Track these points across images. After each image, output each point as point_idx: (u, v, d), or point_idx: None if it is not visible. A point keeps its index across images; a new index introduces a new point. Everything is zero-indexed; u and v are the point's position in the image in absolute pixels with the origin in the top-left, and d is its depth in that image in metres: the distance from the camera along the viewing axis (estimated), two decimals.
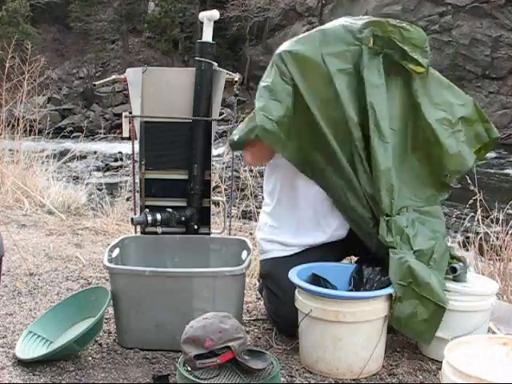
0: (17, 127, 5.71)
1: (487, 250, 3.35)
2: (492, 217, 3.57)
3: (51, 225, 4.23)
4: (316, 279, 2.29)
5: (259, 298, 2.82)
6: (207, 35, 2.73)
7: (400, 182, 2.34)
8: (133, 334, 2.29)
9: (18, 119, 5.73)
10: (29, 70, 5.81)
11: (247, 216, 4.60)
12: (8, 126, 5.88)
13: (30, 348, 2.23)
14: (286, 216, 2.50)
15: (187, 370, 1.86)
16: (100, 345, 2.33)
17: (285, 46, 2.38)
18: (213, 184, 2.74)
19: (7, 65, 5.86)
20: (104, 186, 5.56)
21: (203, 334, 1.86)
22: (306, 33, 2.43)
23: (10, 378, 2.06)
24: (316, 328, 2.15)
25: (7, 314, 2.60)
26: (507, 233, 3.33)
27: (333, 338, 2.12)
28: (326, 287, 2.27)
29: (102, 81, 2.93)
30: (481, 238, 3.44)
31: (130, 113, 2.76)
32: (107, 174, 9.44)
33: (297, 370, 2.19)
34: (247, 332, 2.44)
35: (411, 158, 2.42)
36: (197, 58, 2.71)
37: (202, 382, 1.81)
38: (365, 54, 2.30)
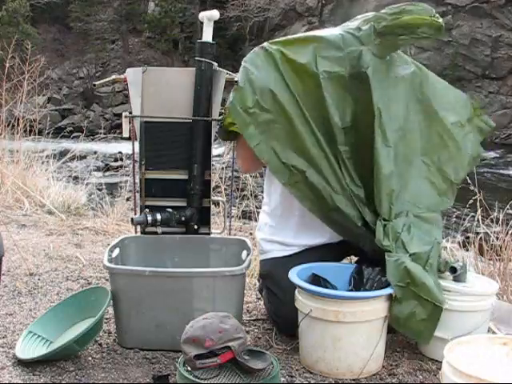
0: (17, 127, 5.71)
1: (487, 250, 3.35)
2: (492, 217, 3.57)
3: (51, 225, 4.23)
4: (316, 279, 2.29)
5: (259, 298, 2.82)
6: (207, 35, 2.73)
7: (402, 187, 2.34)
8: (133, 334, 2.29)
9: (18, 119, 5.73)
10: (29, 70, 5.81)
11: (247, 216, 4.60)
12: (8, 126, 5.88)
13: (30, 348, 2.23)
14: (286, 216, 2.50)
15: (187, 370, 1.86)
16: (100, 345, 2.33)
17: (278, 45, 2.37)
18: (213, 184, 2.74)
19: (7, 65, 5.86)
20: (104, 186, 5.56)
21: (203, 334, 1.86)
22: (302, 35, 2.42)
23: (9, 378, 2.06)
24: (316, 328, 2.15)
25: (7, 314, 2.60)
26: (507, 233, 3.33)
27: (333, 338, 2.12)
28: (326, 287, 2.27)
29: (102, 81, 2.92)
30: (481, 238, 3.44)
31: (130, 113, 2.76)
32: (107, 174, 9.44)
33: (297, 370, 2.19)
34: (247, 332, 2.44)
35: (420, 162, 2.42)
36: (197, 58, 2.71)
37: (202, 382, 1.81)
38: (366, 54, 2.29)
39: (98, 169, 8.80)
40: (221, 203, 3.24)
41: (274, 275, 2.46)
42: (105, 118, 21.27)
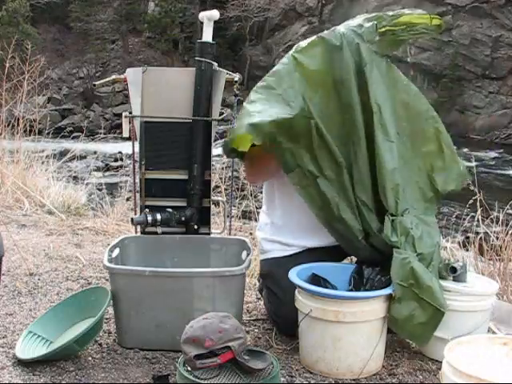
0: (17, 127, 5.70)
1: (487, 250, 3.35)
2: (492, 217, 3.57)
3: (51, 225, 4.23)
4: (316, 279, 2.29)
5: (259, 298, 2.82)
6: (207, 35, 2.73)
7: (404, 184, 2.34)
8: (133, 334, 2.29)
9: (18, 119, 5.72)
10: (29, 70, 5.81)
11: (247, 216, 4.60)
12: (8, 126, 5.87)
13: (30, 348, 2.23)
14: (287, 217, 2.50)
15: (187, 370, 1.86)
16: (100, 345, 2.33)
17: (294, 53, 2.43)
18: (213, 184, 2.74)
19: (7, 65, 5.85)
20: (104, 186, 5.56)
21: (203, 334, 1.86)
22: (309, 42, 2.42)
23: (9, 378, 2.06)
24: (316, 328, 2.15)
25: (7, 314, 2.60)
26: (507, 233, 3.33)
27: (333, 338, 2.12)
28: (326, 287, 2.27)
29: (102, 81, 2.92)
30: (481, 238, 3.44)
31: (130, 113, 2.76)
32: (107, 174, 9.43)
33: (297, 370, 2.19)
34: (247, 332, 2.44)
35: (414, 164, 2.42)
36: (197, 58, 2.71)
37: (202, 382, 1.81)
38: (365, 51, 2.30)
39: (98, 169, 8.79)
40: (221, 203, 3.24)
41: (274, 275, 2.46)
42: (105, 118, 21.27)
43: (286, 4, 24.77)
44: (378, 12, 2.43)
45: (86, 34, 26.07)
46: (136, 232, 2.84)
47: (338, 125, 2.30)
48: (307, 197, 2.33)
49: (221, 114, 2.79)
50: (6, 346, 2.29)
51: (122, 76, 2.82)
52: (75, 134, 7.35)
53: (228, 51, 24.21)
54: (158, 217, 2.66)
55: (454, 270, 2.32)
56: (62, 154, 6.63)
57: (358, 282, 2.32)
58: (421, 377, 2.17)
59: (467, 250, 3.51)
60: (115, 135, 10.25)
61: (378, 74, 2.30)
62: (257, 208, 4.24)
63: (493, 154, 17.70)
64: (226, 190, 4.36)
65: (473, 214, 3.60)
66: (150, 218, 2.66)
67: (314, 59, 2.35)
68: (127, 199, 5.08)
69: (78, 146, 6.55)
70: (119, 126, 12.60)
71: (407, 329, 2.19)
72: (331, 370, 2.14)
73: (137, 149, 2.83)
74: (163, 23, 25.86)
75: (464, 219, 3.76)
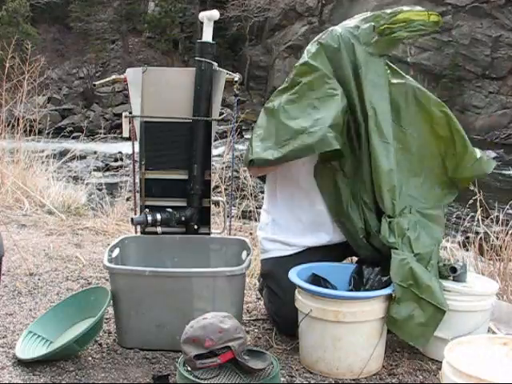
0: (17, 127, 5.70)
1: (487, 250, 3.35)
2: (492, 217, 3.57)
3: (51, 225, 4.23)
4: (316, 279, 2.29)
5: (259, 298, 2.82)
6: (207, 35, 2.73)
7: (403, 181, 2.35)
8: (133, 334, 2.29)
9: (18, 119, 5.72)
10: (29, 70, 5.80)
11: (247, 216, 4.59)
12: (8, 126, 5.87)
13: (30, 348, 2.23)
14: (288, 216, 2.50)
15: (187, 370, 1.86)
16: (100, 345, 2.33)
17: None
18: (213, 184, 2.74)
19: (7, 65, 5.85)
20: (104, 186, 5.56)
21: (203, 334, 1.86)
22: (313, 48, 2.42)
23: (10, 378, 2.06)
24: (316, 328, 2.15)
25: (7, 314, 2.60)
26: (507, 233, 3.33)
27: (333, 338, 2.12)
28: (326, 287, 2.27)
29: (102, 81, 2.92)
30: (481, 238, 3.44)
31: (130, 113, 2.76)
32: (107, 173, 9.43)
33: (297, 370, 2.19)
34: (247, 332, 2.44)
35: (424, 154, 2.43)
36: (197, 58, 2.71)
37: (202, 382, 1.81)
38: (359, 52, 2.31)
39: (98, 169, 8.79)
40: (221, 203, 3.24)
41: (274, 275, 2.46)
42: (105, 118, 21.25)
43: (286, 4, 24.74)
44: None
45: (86, 34, 26.04)
46: (136, 232, 2.84)
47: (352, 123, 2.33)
48: (324, 188, 2.39)
49: (221, 114, 2.79)
50: (5, 345, 2.29)
51: (122, 76, 2.82)
52: (75, 134, 7.35)
53: (228, 51, 24.20)
54: (158, 217, 2.66)
55: (454, 269, 2.32)
56: (62, 154, 6.63)
57: (358, 282, 2.32)
58: (421, 377, 2.17)
59: (467, 250, 3.51)
60: (115, 135, 10.25)
61: (373, 75, 2.32)
62: (257, 208, 4.24)
63: (493, 154, 17.67)
64: (225, 190, 4.36)
65: (473, 214, 3.60)
66: (150, 218, 2.66)
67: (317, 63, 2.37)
68: (127, 199, 5.08)
69: (77, 146, 6.55)
70: (119, 126, 12.62)
71: (407, 330, 2.19)
72: (331, 369, 2.14)
73: (137, 149, 2.83)
74: (163, 23, 25.84)
75: (464, 219, 3.76)
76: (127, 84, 2.76)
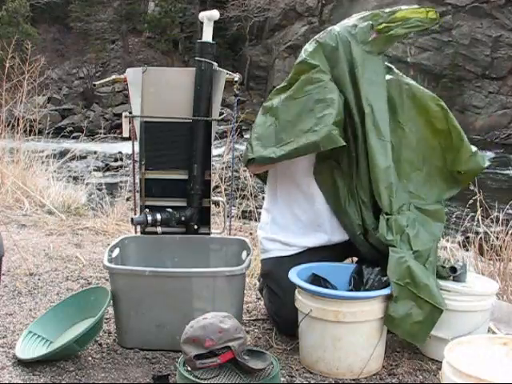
0: (17, 127, 5.70)
1: (487, 250, 3.35)
2: (492, 217, 3.57)
3: (51, 225, 4.23)
4: (316, 279, 2.29)
5: (259, 298, 2.82)
6: (207, 35, 2.73)
7: (405, 177, 2.36)
8: (133, 334, 2.29)
9: (18, 119, 5.72)
10: (29, 70, 5.80)
11: (247, 216, 4.59)
12: (8, 126, 5.87)
13: (30, 348, 2.23)
14: (287, 216, 2.50)
15: (187, 370, 1.86)
16: (100, 345, 2.33)
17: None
18: (213, 184, 2.74)
19: (7, 65, 5.85)
20: (104, 186, 5.56)
21: (203, 334, 1.86)
22: (311, 48, 2.43)
23: (10, 378, 2.06)
24: (316, 328, 2.15)
25: (7, 314, 2.60)
26: (507, 233, 3.34)
27: (332, 338, 2.12)
28: (326, 287, 2.27)
29: (102, 81, 2.93)
30: (481, 238, 3.44)
31: (130, 113, 2.76)
32: (107, 173, 9.43)
33: (297, 370, 2.19)
34: (247, 332, 2.44)
35: (424, 149, 2.44)
36: (197, 58, 2.71)
37: (202, 382, 1.81)
38: (356, 50, 2.32)
39: (98, 169, 8.79)
40: (221, 203, 3.24)
41: (274, 275, 2.46)
42: (105, 118, 21.24)
43: (286, 4, 24.74)
44: None
45: (86, 34, 26.04)
46: (136, 232, 2.84)
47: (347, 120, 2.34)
48: (324, 184, 2.40)
49: (221, 114, 2.79)
50: (5, 345, 2.29)
51: (122, 76, 2.82)
52: (75, 134, 7.34)
53: (228, 51, 24.19)
54: (158, 217, 2.66)
55: (453, 269, 2.32)
56: (62, 154, 6.63)
57: (358, 282, 2.32)
58: (421, 377, 2.17)
59: (467, 250, 3.51)
60: (115, 135, 10.24)
61: (371, 73, 2.33)
62: (257, 208, 4.24)
63: (493, 154, 17.69)
64: (225, 190, 4.36)
65: (473, 214, 3.60)
66: (150, 218, 2.66)
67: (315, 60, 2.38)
68: (127, 199, 5.08)
69: (77, 146, 6.55)
70: (119, 125, 12.61)
71: (404, 327, 2.19)
72: (331, 369, 2.14)
73: (137, 149, 2.83)
74: (163, 23, 25.83)
75: (464, 219, 3.76)
76: (127, 84, 2.76)
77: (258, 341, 2.41)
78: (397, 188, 2.33)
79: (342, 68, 2.33)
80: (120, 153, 10.06)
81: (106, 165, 11.11)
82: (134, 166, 3.00)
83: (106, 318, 2.47)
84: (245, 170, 4.56)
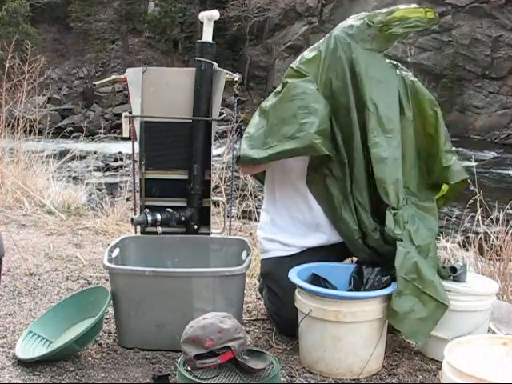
0: (17, 127, 5.70)
1: (487, 250, 3.35)
2: (492, 217, 3.57)
3: (51, 225, 4.23)
4: (316, 279, 2.29)
5: (259, 298, 2.82)
6: (207, 35, 2.73)
7: (405, 172, 2.38)
8: (133, 334, 2.29)
9: (18, 119, 5.72)
10: (29, 70, 5.80)
11: (247, 216, 4.59)
12: (8, 126, 5.87)
13: (30, 348, 2.23)
14: (286, 219, 2.50)
15: (187, 370, 1.86)
16: (100, 345, 2.33)
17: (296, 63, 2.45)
18: (213, 184, 2.74)
19: (7, 65, 5.85)
20: (104, 186, 5.56)
21: (203, 334, 1.86)
22: (308, 55, 2.45)
23: (9, 378, 2.06)
24: (316, 328, 2.15)
25: (7, 314, 2.60)
26: (507, 233, 3.34)
27: (332, 338, 2.12)
28: (326, 287, 2.27)
29: (102, 81, 2.93)
30: (481, 238, 3.44)
31: (130, 113, 2.76)
32: (107, 173, 9.42)
33: (297, 370, 2.19)
34: (247, 332, 2.44)
35: (418, 148, 2.46)
36: (197, 58, 2.71)
37: (202, 382, 1.81)
38: (356, 50, 2.32)
39: (98, 169, 8.78)
40: (221, 203, 3.24)
41: (274, 275, 2.46)
42: (105, 118, 21.24)
43: (286, 4, 24.74)
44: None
45: (86, 34, 26.03)
46: (136, 232, 2.84)
47: (341, 125, 2.34)
48: (318, 193, 2.40)
49: (221, 114, 2.79)
50: (5, 345, 2.29)
51: (122, 76, 2.82)
52: (75, 134, 7.34)
53: (228, 51, 24.18)
54: (158, 217, 2.66)
55: (454, 269, 2.32)
56: (62, 153, 6.63)
57: (358, 282, 2.32)
58: (421, 377, 2.17)
59: (467, 250, 3.51)
60: (115, 135, 10.22)
61: (374, 71, 2.34)
62: (257, 208, 4.23)
63: (493, 154, 17.70)
64: (225, 190, 4.36)
65: (473, 214, 3.61)
66: (150, 218, 2.66)
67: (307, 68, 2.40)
68: (127, 199, 5.08)
69: (77, 146, 6.55)
70: (119, 126, 12.61)
71: (406, 323, 2.19)
72: (331, 370, 2.14)
73: (137, 149, 2.83)
74: (163, 23, 25.83)
75: (464, 219, 3.76)
76: (127, 84, 2.76)
77: (258, 341, 2.41)
78: (402, 184, 2.34)
79: (343, 69, 2.33)
80: (120, 153, 10.05)
81: (106, 165, 11.11)
82: (133, 166, 3.00)
83: (106, 318, 2.47)
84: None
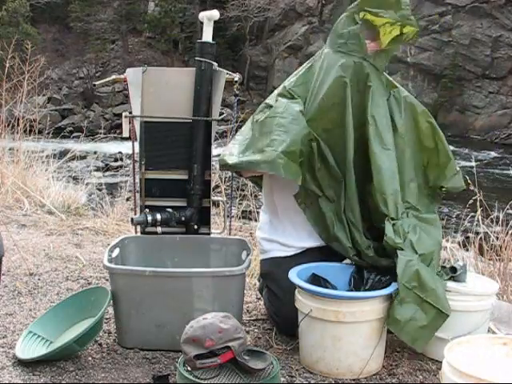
0: (17, 127, 5.70)
1: (487, 250, 3.35)
2: (492, 217, 3.57)
3: (51, 225, 4.22)
4: (316, 279, 2.29)
5: (259, 298, 2.82)
6: (207, 35, 2.73)
7: (403, 186, 2.37)
8: (133, 334, 2.29)
9: (18, 119, 5.72)
10: (29, 70, 5.80)
11: (247, 216, 4.59)
12: (8, 126, 5.87)
13: (30, 348, 2.23)
14: (286, 222, 2.50)
15: (187, 370, 1.86)
16: (100, 345, 2.33)
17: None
18: (213, 184, 2.74)
19: (7, 65, 5.85)
20: (104, 186, 5.56)
21: (203, 334, 1.86)
22: (301, 71, 2.47)
23: (9, 378, 2.06)
24: (316, 328, 2.15)
25: (7, 314, 2.60)
26: (507, 233, 3.34)
27: (332, 338, 2.12)
28: (326, 287, 2.27)
29: (102, 81, 2.93)
30: (481, 238, 3.44)
31: (130, 113, 2.76)
32: (107, 174, 9.43)
33: (297, 370, 2.19)
34: (247, 332, 2.44)
35: (415, 162, 2.46)
36: (197, 58, 2.71)
37: (202, 382, 1.81)
38: (368, 69, 2.33)
39: (98, 169, 8.79)
40: (221, 203, 3.24)
41: (274, 275, 2.46)
42: (105, 118, 21.24)
43: (286, 4, 24.74)
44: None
45: (86, 34, 26.02)
46: (136, 232, 2.84)
47: (336, 142, 2.34)
48: (311, 215, 2.41)
49: (221, 114, 2.79)
50: (5, 345, 2.29)
51: (122, 76, 2.82)
52: (75, 134, 7.36)
53: (228, 51, 24.18)
54: (158, 217, 2.66)
55: (454, 270, 2.32)
56: (62, 153, 6.63)
57: (358, 282, 2.33)
58: (421, 377, 2.17)
59: (467, 250, 3.51)
60: (115, 135, 10.23)
61: (375, 87, 2.34)
62: (257, 208, 4.23)
63: (493, 154, 17.70)
64: (225, 190, 4.36)
65: (473, 214, 3.60)
66: (150, 218, 2.66)
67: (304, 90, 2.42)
68: (127, 199, 5.08)
69: (77, 146, 6.55)
70: (119, 126, 12.61)
71: (407, 331, 2.19)
72: (331, 370, 2.14)
73: (137, 149, 2.83)
74: (163, 23, 25.82)
75: (464, 219, 3.76)
76: (127, 84, 2.76)
77: (258, 341, 2.41)
78: (401, 195, 2.35)
79: (335, 82, 2.33)
80: (120, 153, 10.06)
81: (106, 165, 11.11)
82: (133, 166, 3.01)
83: (106, 318, 2.47)
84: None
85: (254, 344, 2.36)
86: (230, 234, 2.99)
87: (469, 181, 3.35)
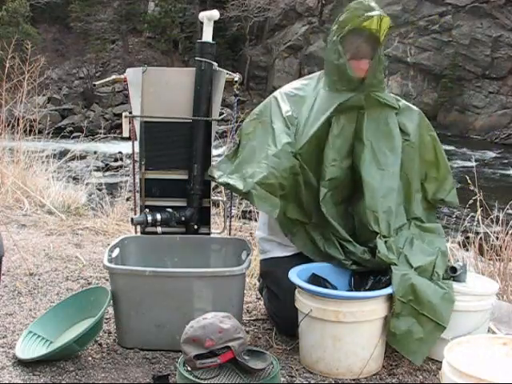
0: (17, 127, 5.69)
1: (487, 250, 3.35)
2: (492, 217, 3.57)
3: (51, 225, 4.22)
4: (316, 279, 2.29)
5: (259, 298, 2.82)
6: (207, 35, 2.73)
7: (407, 197, 2.40)
8: (133, 334, 2.29)
9: (18, 119, 5.71)
10: (29, 70, 5.80)
11: (247, 216, 4.59)
12: (8, 126, 5.86)
13: (30, 348, 2.23)
14: None
15: (187, 370, 1.86)
16: (100, 345, 2.33)
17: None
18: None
19: (7, 65, 5.84)
20: (104, 186, 5.55)
21: (203, 333, 1.86)
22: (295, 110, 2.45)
23: (9, 378, 2.06)
24: (316, 328, 2.15)
25: (7, 314, 2.60)
26: (507, 233, 3.33)
27: (332, 338, 2.12)
28: (326, 287, 2.27)
29: (102, 81, 2.92)
30: (481, 238, 3.44)
31: (130, 113, 2.76)
32: (107, 173, 9.43)
33: (297, 370, 2.19)
34: (247, 332, 2.44)
35: (417, 172, 2.47)
36: (197, 58, 2.71)
37: (202, 382, 1.81)
38: (362, 99, 2.33)
39: (98, 169, 8.79)
40: (221, 203, 3.24)
41: (274, 275, 2.46)
42: (105, 118, 21.24)
43: (286, 4, 24.74)
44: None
45: (86, 34, 26.02)
46: (136, 232, 2.84)
47: (318, 164, 2.35)
48: (300, 243, 2.41)
49: (221, 114, 2.79)
50: (5, 345, 2.29)
51: (122, 76, 2.82)
52: (75, 134, 7.33)
53: (228, 51, 24.18)
54: (158, 217, 2.66)
55: (454, 270, 2.32)
56: (62, 154, 6.62)
57: (358, 282, 2.32)
58: (421, 377, 2.17)
59: (467, 250, 3.51)
60: (115, 135, 10.23)
61: (372, 111, 2.36)
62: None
63: (493, 154, 17.71)
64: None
65: (473, 214, 3.60)
66: (150, 218, 2.66)
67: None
68: (127, 199, 5.08)
69: (77, 146, 6.54)
70: (119, 126, 12.61)
71: (405, 344, 2.19)
72: (331, 370, 2.14)
73: (137, 149, 2.83)
74: (163, 23, 25.82)
75: (464, 219, 3.76)
76: (127, 84, 2.76)
77: (258, 341, 2.42)
78: (397, 210, 2.36)
79: (325, 106, 2.35)
80: (120, 153, 10.06)
81: (106, 165, 11.12)
82: (133, 165, 3.00)
83: (106, 318, 2.47)
84: None
85: (254, 344, 2.36)
86: (229, 233, 2.99)
87: (469, 181, 3.35)
